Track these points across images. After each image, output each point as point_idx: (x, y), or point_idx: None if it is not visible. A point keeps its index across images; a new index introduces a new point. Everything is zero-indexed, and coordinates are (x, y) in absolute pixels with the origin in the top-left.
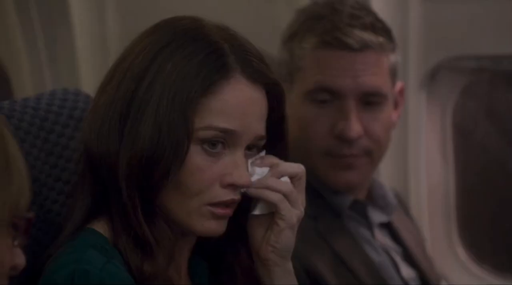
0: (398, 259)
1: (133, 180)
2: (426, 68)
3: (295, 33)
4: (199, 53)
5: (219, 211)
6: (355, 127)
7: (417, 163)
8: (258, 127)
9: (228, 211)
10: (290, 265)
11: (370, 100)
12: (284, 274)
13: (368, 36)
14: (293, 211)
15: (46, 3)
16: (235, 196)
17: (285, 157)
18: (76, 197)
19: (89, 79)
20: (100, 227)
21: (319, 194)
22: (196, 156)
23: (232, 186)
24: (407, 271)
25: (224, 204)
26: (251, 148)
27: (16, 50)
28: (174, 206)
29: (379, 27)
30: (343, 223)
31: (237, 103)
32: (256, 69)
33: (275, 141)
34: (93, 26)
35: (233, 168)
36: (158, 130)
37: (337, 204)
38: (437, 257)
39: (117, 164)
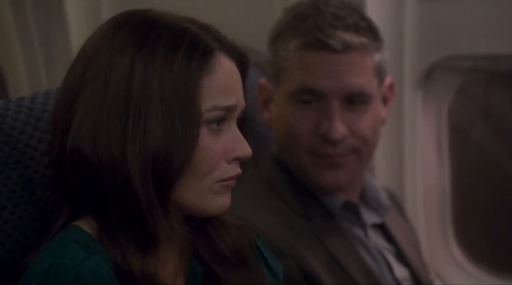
0: (392, 260)
1: (147, 177)
2: (421, 68)
3: (279, 34)
4: (181, 41)
5: (229, 182)
6: (338, 128)
7: (413, 162)
8: (243, 98)
9: (234, 181)
10: None
11: (354, 100)
12: None
13: (350, 37)
14: None
15: (41, 3)
16: (239, 170)
17: (245, 127)
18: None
19: None
20: (85, 224)
21: (312, 194)
22: (205, 138)
23: (236, 160)
24: (400, 271)
25: (231, 178)
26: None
27: (11, 49)
28: (189, 192)
29: (362, 26)
30: (337, 224)
31: (228, 79)
32: (228, 44)
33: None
34: (89, 25)
35: (234, 143)
36: (170, 121)
37: (329, 204)
38: (433, 257)
39: (123, 165)
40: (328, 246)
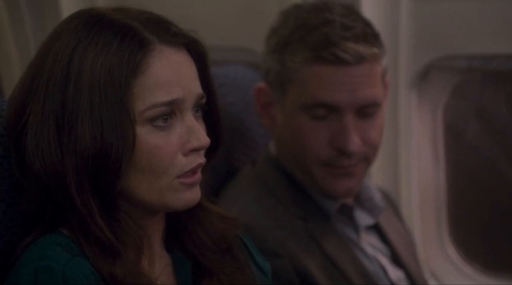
0: (386, 261)
1: (84, 185)
2: (416, 68)
3: (285, 43)
4: (113, 41)
5: (188, 180)
6: (355, 141)
7: (408, 162)
8: (195, 86)
9: (197, 177)
10: None
11: (366, 111)
12: None
13: (363, 48)
14: None
15: (36, 2)
16: (200, 159)
17: (216, 113)
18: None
19: None
20: (66, 230)
21: (308, 196)
22: (150, 136)
23: (194, 151)
24: (395, 273)
25: (191, 172)
26: (197, 110)
27: (6, 49)
28: (144, 191)
29: (370, 34)
30: (332, 225)
31: (169, 71)
32: (171, 33)
33: (208, 97)
34: None
35: (189, 134)
36: (99, 126)
37: (325, 206)
38: (428, 257)
39: (64, 174)
40: (324, 247)
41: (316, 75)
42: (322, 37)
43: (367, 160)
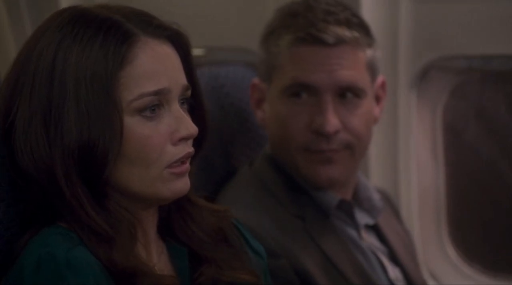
0: (385, 260)
1: (72, 178)
2: (416, 68)
3: (271, 32)
4: (98, 35)
5: (178, 169)
6: (332, 122)
7: (407, 163)
8: (181, 77)
9: (186, 166)
10: None
11: (346, 94)
12: None
13: (342, 31)
14: None
15: (36, 2)
16: (189, 149)
17: (202, 105)
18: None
19: None
20: (64, 224)
21: (307, 194)
22: (139, 127)
23: (183, 140)
24: (393, 272)
25: (181, 161)
26: (183, 102)
27: (6, 49)
28: (135, 181)
29: (354, 22)
30: (331, 223)
31: (154, 62)
32: (155, 25)
33: (193, 89)
34: None
35: (177, 123)
36: (86, 118)
37: (323, 202)
38: (427, 257)
39: (52, 168)
40: (322, 246)
41: (296, 56)
42: (303, 20)
43: (350, 148)
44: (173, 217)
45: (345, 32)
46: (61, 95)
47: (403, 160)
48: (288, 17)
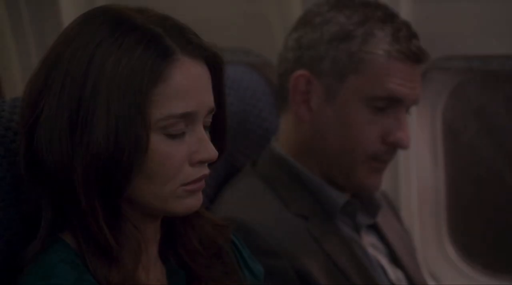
0: (385, 261)
1: (92, 187)
2: None
3: (352, 34)
4: (137, 46)
5: (193, 187)
6: (410, 138)
7: (407, 163)
8: (210, 100)
9: (201, 184)
10: None
11: (409, 109)
12: None
13: (424, 48)
14: None
15: (35, 1)
16: (205, 171)
17: (223, 125)
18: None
19: None
20: (68, 237)
21: (312, 194)
22: (162, 144)
23: (201, 163)
24: (394, 272)
25: (197, 181)
26: (206, 122)
27: (6, 48)
28: (148, 196)
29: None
30: (334, 224)
31: (188, 84)
32: (194, 45)
33: (218, 108)
34: None
35: (198, 145)
36: (114, 129)
37: (330, 204)
38: (427, 257)
39: (72, 174)
40: (324, 246)
41: (394, 69)
42: (395, 32)
43: None
44: (176, 225)
45: (425, 51)
46: (92, 100)
47: (403, 161)
48: (373, 23)
